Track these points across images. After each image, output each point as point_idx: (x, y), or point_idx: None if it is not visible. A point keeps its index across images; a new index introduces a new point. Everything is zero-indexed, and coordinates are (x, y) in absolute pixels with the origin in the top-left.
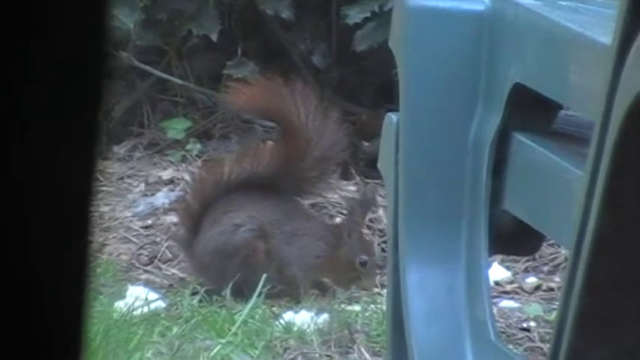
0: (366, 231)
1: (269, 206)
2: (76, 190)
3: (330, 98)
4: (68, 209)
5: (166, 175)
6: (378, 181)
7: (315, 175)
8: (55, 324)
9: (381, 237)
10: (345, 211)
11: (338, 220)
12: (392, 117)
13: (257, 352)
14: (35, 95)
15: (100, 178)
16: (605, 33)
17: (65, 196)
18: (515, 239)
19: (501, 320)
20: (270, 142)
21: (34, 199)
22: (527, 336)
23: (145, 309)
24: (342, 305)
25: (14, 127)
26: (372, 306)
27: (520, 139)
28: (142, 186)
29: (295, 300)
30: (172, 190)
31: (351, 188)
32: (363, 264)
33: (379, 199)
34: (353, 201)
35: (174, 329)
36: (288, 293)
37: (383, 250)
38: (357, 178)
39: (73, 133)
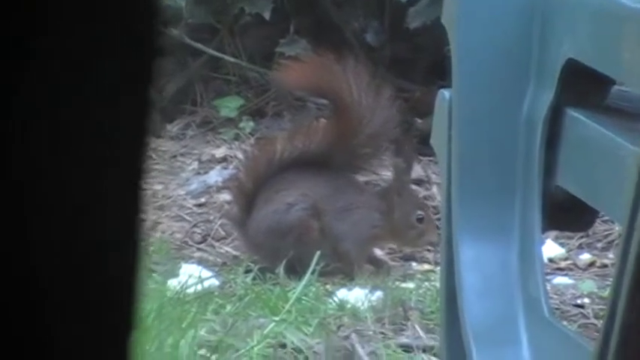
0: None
1: (321, 183)
2: (127, 167)
3: (383, 75)
4: (120, 188)
5: (219, 153)
6: (431, 158)
7: (367, 151)
8: (104, 301)
9: (435, 214)
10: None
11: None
12: (444, 93)
13: (311, 329)
14: (86, 72)
15: (153, 156)
16: None
17: (116, 173)
18: (568, 215)
19: (555, 297)
20: (322, 120)
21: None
22: (582, 312)
23: (199, 287)
24: (396, 282)
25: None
26: (426, 283)
27: (573, 114)
28: (195, 164)
29: (349, 277)
30: (225, 169)
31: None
32: (421, 220)
33: (433, 176)
34: (394, 160)
35: (228, 307)
36: (342, 270)
37: (437, 227)
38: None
39: (125, 108)
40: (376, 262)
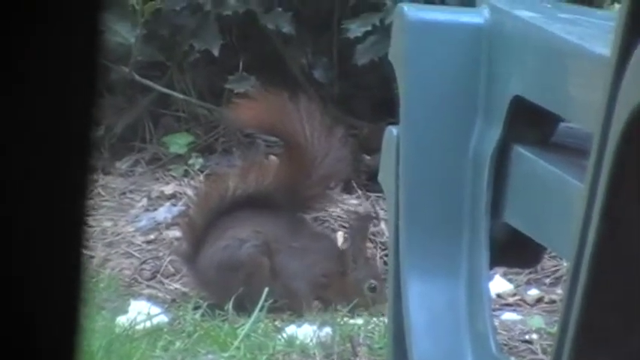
0: (368, 244)
1: (274, 222)
2: (70, 201)
3: (332, 112)
4: (62, 220)
5: (169, 189)
6: (379, 195)
7: (319, 191)
8: (48, 338)
9: (383, 250)
10: (346, 225)
11: (340, 236)
12: (392, 130)
13: None
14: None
15: (102, 193)
16: (604, 45)
17: (60, 207)
18: (516, 251)
19: (504, 333)
20: (273, 157)
21: (28, 208)
22: (530, 348)
23: (148, 323)
24: (345, 319)
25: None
26: (375, 319)
27: (520, 151)
28: (145, 201)
29: (298, 314)
30: (175, 205)
31: (352, 202)
32: (373, 289)
33: (381, 212)
34: (353, 224)
35: (177, 343)
36: (291, 307)
37: (385, 263)
38: (359, 192)
39: (66, 144)
40: (324, 299)
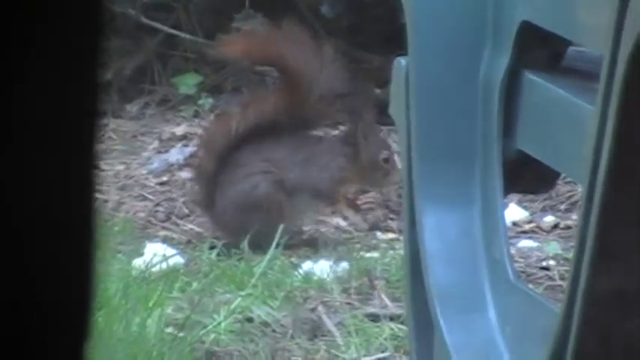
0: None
1: (279, 148)
2: (80, 149)
3: (341, 46)
4: (74, 165)
5: (180, 130)
6: (391, 127)
7: (319, 109)
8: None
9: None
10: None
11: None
12: (401, 61)
13: (277, 303)
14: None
15: (113, 136)
16: None
17: (70, 152)
18: (529, 177)
19: (520, 260)
20: (271, 89)
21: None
22: (547, 275)
23: (164, 265)
24: (361, 253)
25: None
26: (391, 252)
27: (530, 77)
28: (156, 143)
29: (314, 248)
30: (186, 146)
31: None
32: (387, 160)
33: (393, 145)
34: (356, 100)
35: (194, 284)
36: (306, 242)
37: (399, 195)
38: (378, 129)
39: (75, 88)
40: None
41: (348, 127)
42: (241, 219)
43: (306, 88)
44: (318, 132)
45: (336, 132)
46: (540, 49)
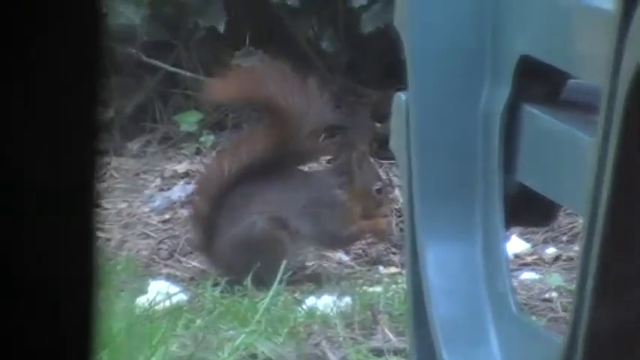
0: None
1: (276, 189)
2: (79, 185)
3: (341, 82)
4: (72, 204)
5: (181, 168)
6: (392, 161)
7: (310, 144)
8: (65, 323)
9: (398, 217)
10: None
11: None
12: (401, 96)
13: (281, 338)
14: (32, 91)
15: (115, 174)
16: (609, 0)
17: (68, 191)
18: (530, 210)
19: (523, 292)
20: (260, 128)
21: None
22: (550, 306)
23: (168, 303)
24: (364, 287)
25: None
26: (394, 286)
27: (530, 110)
28: (158, 181)
29: (317, 284)
30: (188, 183)
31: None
32: (379, 190)
33: (394, 178)
34: (352, 129)
35: (198, 321)
36: (310, 278)
37: (401, 230)
38: (372, 160)
39: (74, 126)
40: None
41: (342, 157)
42: (242, 258)
43: (296, 125)
44: (306, 166)
45: (320, 167)
46: (540, 82)
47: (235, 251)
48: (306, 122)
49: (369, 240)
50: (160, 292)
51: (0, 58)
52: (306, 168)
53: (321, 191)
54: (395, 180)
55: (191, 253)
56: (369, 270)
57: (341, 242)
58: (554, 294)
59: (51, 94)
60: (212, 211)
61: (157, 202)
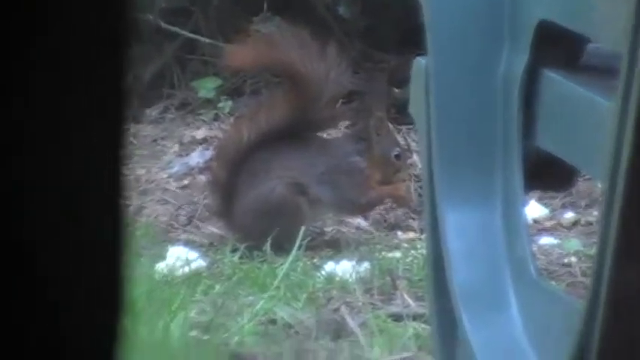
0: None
1: (296, 155)
2: (108, 155)
3: (359, 47)
4: (102, 175)
5: (200, 134)
6: (410, 127)
7: (330, 111)
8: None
9: (417, 182)
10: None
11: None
12: (420, 61)
13: (300, 304)
14: (58, 64)
15: (134, 141)
16: None
17: (97, 160)
18: (549, 175)
19: (542, 257)
20: (280, 93)
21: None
22: (569, 271)
23: (187, 269)
24: (383, 253)
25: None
26: (413, 251)
27: (549, 75)
28: (176, 147)
29: (336, 249)
30: (207, 149)
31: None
32: (398, 156)
33: (412, 144)
34: (368, 95)
35: (217, 287)
36: (329, 244)
37: (419, 195)
38: (390, 126)
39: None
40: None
41: (360, 123)
42: (261, 224)
43: (315, 91)
44: (325, 132)
45: (339, 133)
46: (558, 47)
47: (254, 217)
48: (325, 89)
49: (388, 205)
50: (179, 257)
51: (29, 40)
52: (324, 134)
53: (340, 158)
54: (413, 145)
55: (210, 218)
56: (388, 235)
57: (360, 208)
58: (572, 259)
59: (79, 61)
60: (230, 177)
61: (176, 168)
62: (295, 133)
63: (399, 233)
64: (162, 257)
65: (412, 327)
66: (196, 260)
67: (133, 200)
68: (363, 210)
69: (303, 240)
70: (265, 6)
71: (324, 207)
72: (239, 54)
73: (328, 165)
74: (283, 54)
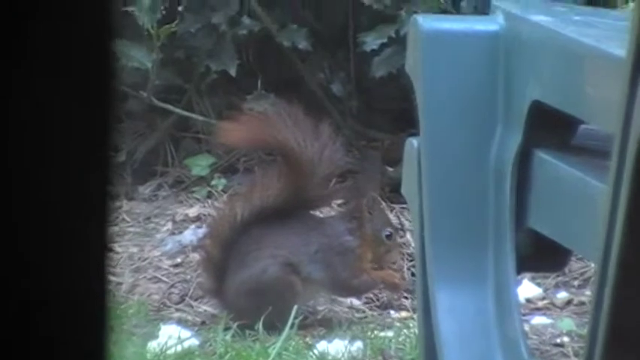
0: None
1: (289, 234)
2: (93, 228)
3: (352, 126)
4: (86, 247)
5: (193, 212)
6: (403, 206)
7: (323, 190)
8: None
9: (410, 261)
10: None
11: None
12: (413, 142)
13: None
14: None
15: (127, 218)
16: (620, 46)
17: (82, 235)
18: (542, 256)
19: (534, 337)
20: (273, 173)
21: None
22: (562, 351)
23: (179, 347)
24: (375, 332)
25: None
26: (405, 331)
27: (542, 156)
28: (170, 224)
29: (328, 329)
30: (200, 227)
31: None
32: (389, 237)
33: (406, 223)
34: (362, 174)
35: None
36: (322, 323)
37: (412, 274)
38: (383, 204)
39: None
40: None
41: (353, 202)
42: (253, 303)
43: (309, 170)
44: (318, 210)
45: (333, 211)
46: (551, 128)
47: (246, 295)
48: (319, 167)
49: (381, 285)
50: (172, 336)
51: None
52: (317, 212)
53: (333, 237)
54: (407, 224)
55: (202, 297)
56: (381, 314)
57: (353, 290)
58: (565, 339)
59: (63, 142)
60: (223, 255)
61: (169, 246)
62: (289, 211)
63: (392, 312)
64: (155, 336)
65: None
66: (189, 339)
67: (125, 278)
68: (355, 292)
69: (295, 319)
70: (259, 84)
71: (316, 286)
72: (233, 132)
73: (321, 244)
74: (277, 132)
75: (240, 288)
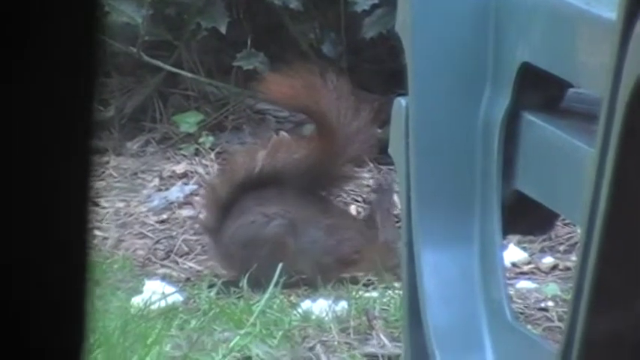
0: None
1: (302, 201)
2: (73, 186)
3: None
4: (66, 205)
5: (180, 169)
6: (391, 167)
7: (346, 172)
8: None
9: (396, 222)
10: (360, 199)
11: (353, 209)
12: (401, 101)
13: (276, 341)
14: (28, 91)
15: (114, 174)
16: (610, 9)
17: (62, 192)
18: (528, 218)
19: (519, 301)
20: (283, 133)
21: (30, 196)
22: (546, 316)
23: (163, 303)
24: (360, 292)
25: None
26: (390, 291)
27: (530, 118)
28: (156, 181)
29: (313, 288)
30: (186, 184)
31: (364, 175)
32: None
33: (393, 184)
34: (379, 186)
35: (193, 322)
36: (306, 282)
37: (398, 235)
38: (371, 165)
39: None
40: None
41: (369, 210)
42: (246, 254)
43: (340, 147)
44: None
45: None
46: (540, 90)
47: (240, 243)
48: (350, 148)
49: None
50: (156, 292)
51: None
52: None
53: (347, 224)
54: (394, 185)
55: (187, 253)
56: (366, 274)
57: (342, 267)
58: (550, 303)
59: (47, 92)
60: (231, 197)
61: (155, 202)
62: (307, 181)
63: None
64: (139, 291)
65: None
66: (173, 295)
67: (111, 233)
68: (344, 269)
69: (280, 277)
70: (249, 42)
71: (308, 258)
72: (278, 85)
73: (333, 221)
74: (321, 99)
75: (237, 233)
